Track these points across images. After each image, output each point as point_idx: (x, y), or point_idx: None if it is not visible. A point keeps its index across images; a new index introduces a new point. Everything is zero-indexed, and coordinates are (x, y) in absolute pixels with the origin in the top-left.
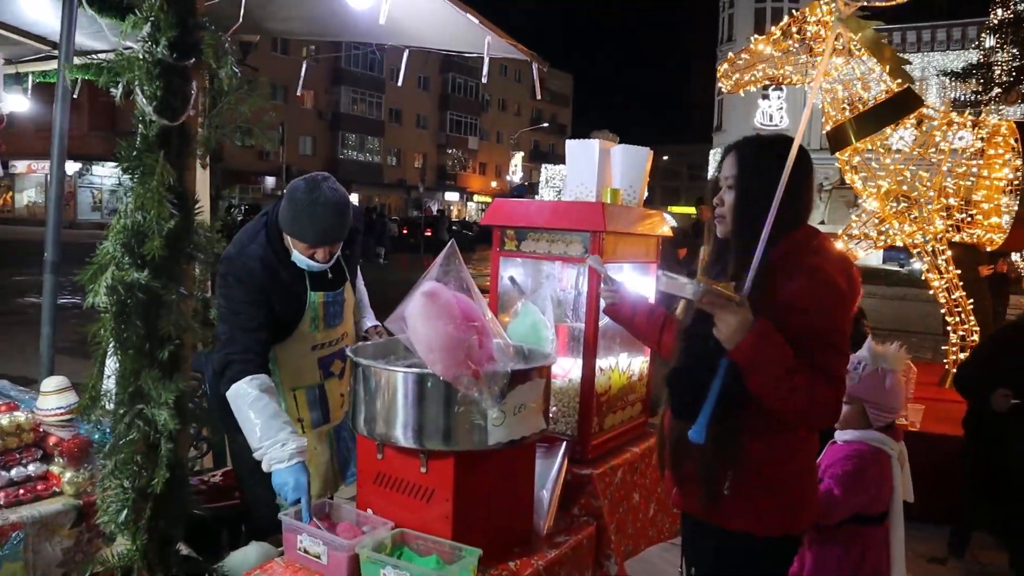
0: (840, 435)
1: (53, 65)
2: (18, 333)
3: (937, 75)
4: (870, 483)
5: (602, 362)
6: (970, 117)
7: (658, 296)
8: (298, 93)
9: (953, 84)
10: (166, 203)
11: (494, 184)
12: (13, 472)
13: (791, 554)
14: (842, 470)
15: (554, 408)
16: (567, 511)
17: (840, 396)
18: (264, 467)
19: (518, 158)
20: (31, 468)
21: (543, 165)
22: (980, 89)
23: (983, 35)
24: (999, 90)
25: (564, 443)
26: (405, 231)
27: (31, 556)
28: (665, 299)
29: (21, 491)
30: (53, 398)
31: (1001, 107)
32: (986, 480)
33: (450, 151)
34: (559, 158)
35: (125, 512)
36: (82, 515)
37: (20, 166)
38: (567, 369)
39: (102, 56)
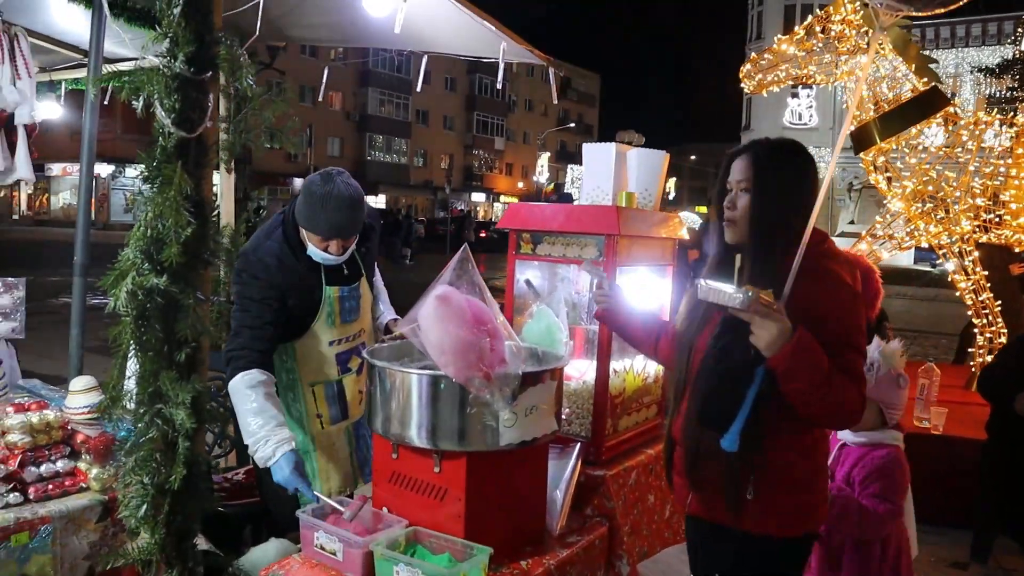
0: (854, 437)
1: (83, 73)
2: (51, 332)
3: (971, 71)
4: (905, 482)
5: (616, 364)
6: (998, 116)
7: (679, 300)
8: (319, 99)
9: (988, 80)
10: (183, 211)
11: (520, 185)
12: (43, 468)
13: (808, 553)
14: (883, 482)
15: (568, 410)
16: (580, 511)
17: (863, 394)
18: (260, 463)
19: (544, 158)
20: (59, 464)
21: (569, 166)
22: (1016, 85)
23: (1019, 30)
24: None
25: (578, 444)
26: (437, 230)
27: (59, 549)
28: (701, 305)
29: (50, 486)
30: (81, 397)
31: None
32: (1008, 485)
33: (476, 152)
34: None
35: (145, 507)
36: (107, 510)
37: (55, 169)
38: (582, 371)
39: (129, 64)
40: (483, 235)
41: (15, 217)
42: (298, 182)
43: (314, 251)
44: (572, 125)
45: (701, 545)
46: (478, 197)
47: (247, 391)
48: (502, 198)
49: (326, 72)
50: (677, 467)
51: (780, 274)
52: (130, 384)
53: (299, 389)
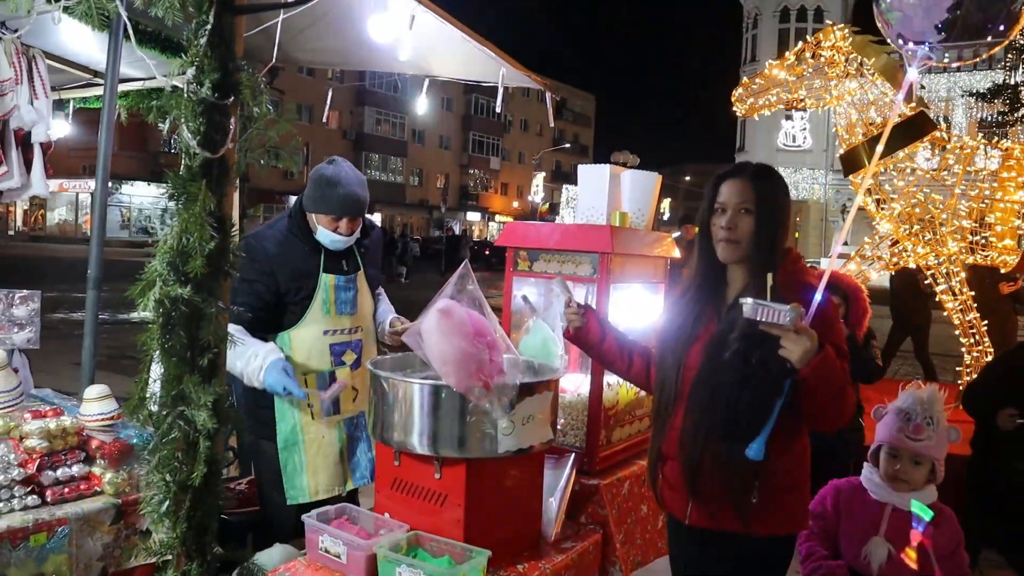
0: (923, 496)
1: (92, 92)
2: (49, 347)
3: (963, 95)
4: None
5: (610, 378)
6: (983, 140)
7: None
8: (324, 120)
9: (979, 105)
10: (207, 227)
11: (515, 204)
12: (59, 472)
13: (793, 550)
14: (958, 544)
15: (563, 421)
16: (575, 519)
17: (854, 397)
18: (257, 385)
19: (540, 178)
20: (75, 469)
21: (564, 186)
22: (1006, 110)
23: (1009, 55)
24: None
25: (573, 455)
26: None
27: (75, 549)
28: (688, 322)
29: (66, 490)
30: (95, 404)
31: None
32: (992, 499)
33: (472, 171)
34: None
35: (167, 503)
36: (121, 513)
37: (52, 185)
38: (577, 384)
39: (137, 84)
40: (487, 253)
41: (11, 233)
42: (292, 200)
43: (323, 233)
44: (567, 145)
45: (702, 553)
46: (473, 216)
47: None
48: (497, 217)
49: (330, 94)
50: (670, 481)
51: (766, 291)
52: (154, 387)
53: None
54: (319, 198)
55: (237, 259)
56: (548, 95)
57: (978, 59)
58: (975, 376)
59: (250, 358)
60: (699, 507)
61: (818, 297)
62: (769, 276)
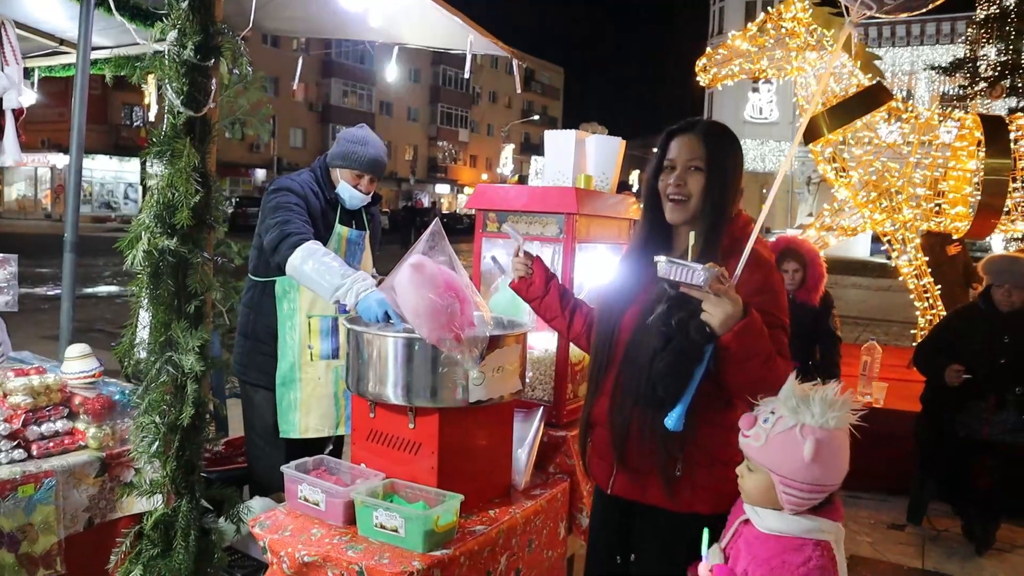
0: (758, 517)
1: (58, 60)
2: (16, 319)
3: (925, 69)
4: None
5: None
6: (937, 110)
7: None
8: (293, 87)
9: (941, 78)
10: (192, 181)
11: (485, 176)
12: (43, 427)
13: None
14: None
15: (532, 376)
16: (544, 469)
17: (789, 370)
18: (351, 300)
19: (509, 150)
20: (59, 424)
21: (533, 157)
22: (967, 83)
23: (970, 30)
24: (984, 84)
25: (541, 408)
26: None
27: (61, 501)
28: (627, 284)
29: (51, 444)
30: (77, 363)
31: (987, 101)
32: (939, 451)
33: (441, 143)
34: None
35: (156, 444)
36: (105, 466)
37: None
38: (545, 341)
39: (105, 52)
40: (458, 227)
41: None
42: (260, 172)
43: (344, 187)
44: (536, 117)
45: (621, 523)
46: (442, 188)
47: (328, 250)
48: (466, 189)
49: (300, 63)
50: (598, 449)
51: (721, 253)
52: (142, 334)
53: (297, 319)
54: (348, 154)
55: (220, 213)
56: (515, 63)
57: (917, 11)
58: (924, 336)
59: (355, 280)
60: (624, 477)
61: (743, 261)
62: (691, 235)
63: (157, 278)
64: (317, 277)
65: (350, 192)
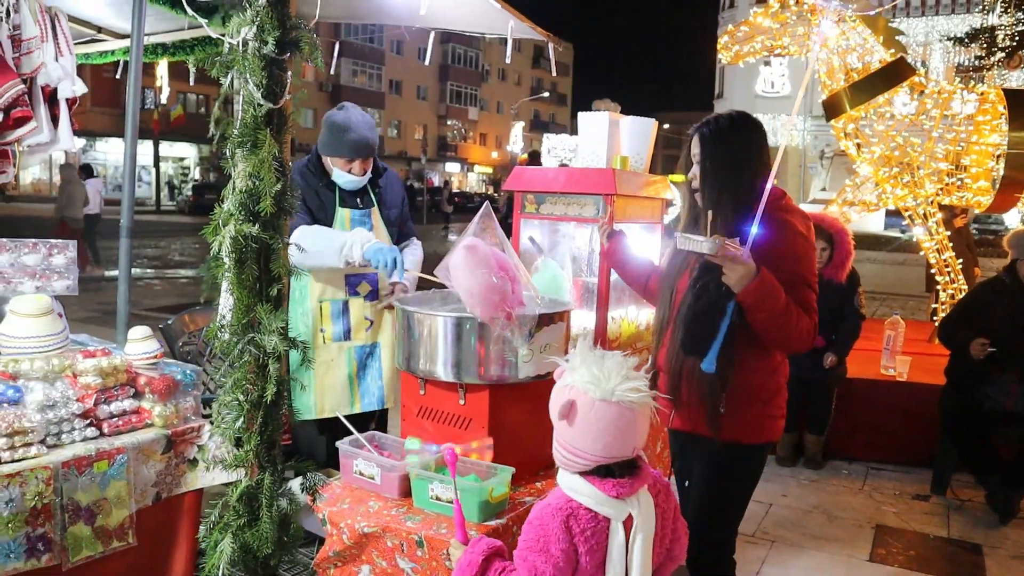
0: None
1: (95, 48)
2: None
3: (940, 40)
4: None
5: (613, 312)
6: (959, 85)
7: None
8: (331, 72)
9: (956, 49)
10: (273, 170)
11: (495, 155)
12: (112, 407)
13: (764, 460)
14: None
15: None
16: None
17: (815, 323)
18: (356, 255)
19: (518, 128)
20: (126, 403)
21: (544, 135)
22: (983, 54)
23: None
24: (1002, 55)
25: None
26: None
27: (132, 476)
28: (680, 254)
29: (120, 422)
30: (140, 344)
31: (1004, 72)
32: (963, 424)
33: (450, 122)
34: (560, 128)
35: (240, 420)
36: (171, 443)
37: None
38: (582, 320)
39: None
40: (471, 205)
41: None
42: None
43: (338, 174)
44: (546, 94)
45: (681, 453)
46: (452, 167)
47: (314, 229)
48: (476, 168)
49: (337, 48)
50: (661, 390)
51: (740, 225)
52: (224, 319)
53: (308, 303)
54: (332, 143)
55: (295, 200)
56: (551, 47)
57: (883, 8)
58: (948, 311)
59: (348, 240)
60: (679, 413)
61: (754, 229)
62: (709, 213)
63: (242, 263)
64: (318, 251)
65: (345, 178)
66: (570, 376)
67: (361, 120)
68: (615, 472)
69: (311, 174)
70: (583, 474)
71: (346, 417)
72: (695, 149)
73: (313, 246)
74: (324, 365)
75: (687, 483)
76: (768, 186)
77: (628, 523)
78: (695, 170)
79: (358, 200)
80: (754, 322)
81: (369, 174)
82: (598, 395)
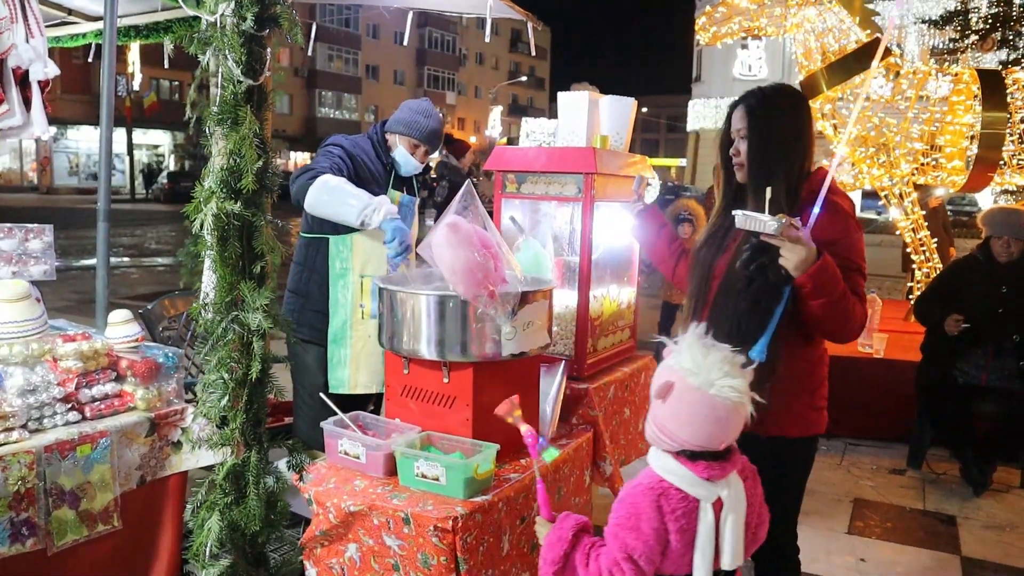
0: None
1: (66, 31)
2: None
3: (915, 23)
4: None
5: (595, 291)
6: (934, 66)
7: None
8: (308, 52)
9: (931, 31)
10: (254, 147)
11: (473, 140)
12: (94, 390)
13: (813, 452)
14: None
15: (554, 331)
16: (567, 420)
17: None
18: (376, 220)
19: (497, 112)
20: (108, 387)
21: (523, 119)
22: (957, 36)
23: None
24: (975, 37)
25: (563, 362)
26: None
27: (115, 460)
28: (718, 235)
29: (102, 406)
30: (121, 328)
31: (977, 54)
32: (938, 399)
33: None
34: (538, 112)
35: (226, 399)
36: (154, 426)
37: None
38: (564, 299)
39: (125, 21)
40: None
41: None
42: None
43: (400, 153)
44: (524, 79)
45: None
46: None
47: (344, 181)
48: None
49: (313, 30)
50: None
51: (787, 204)
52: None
53: (349, 278)
54: (412, 123)
55: (277, 177)
56: (531, 27)
57: None
58: (923, 289)
59: (375, 203)
60: None
61: (816, 209)
62: (768, 190)
63: (225, 241)
64: (340, 200)
65: (406, 159)
66: (675, 359)
67: (440, 116)
68: (704, 457)
69: (373, 150)
70: (675, 454)
71: (353, 398)
72: (738, 124)
73: (339, 195)
74: (361, 340)
75: None
76: (836, 162)
77: (717, 505)
78: (740, 145)
79: (404, 188)
80: (812, 308)
81: (421, 168)
82: (696, 383)
